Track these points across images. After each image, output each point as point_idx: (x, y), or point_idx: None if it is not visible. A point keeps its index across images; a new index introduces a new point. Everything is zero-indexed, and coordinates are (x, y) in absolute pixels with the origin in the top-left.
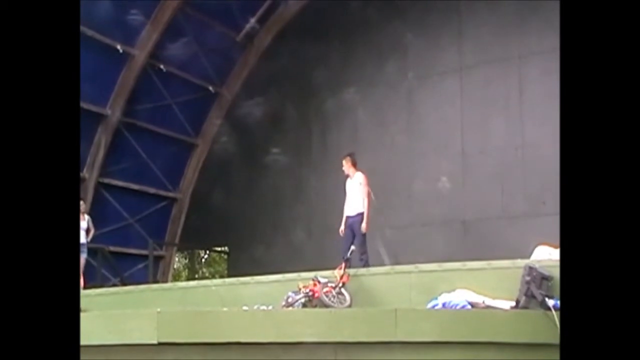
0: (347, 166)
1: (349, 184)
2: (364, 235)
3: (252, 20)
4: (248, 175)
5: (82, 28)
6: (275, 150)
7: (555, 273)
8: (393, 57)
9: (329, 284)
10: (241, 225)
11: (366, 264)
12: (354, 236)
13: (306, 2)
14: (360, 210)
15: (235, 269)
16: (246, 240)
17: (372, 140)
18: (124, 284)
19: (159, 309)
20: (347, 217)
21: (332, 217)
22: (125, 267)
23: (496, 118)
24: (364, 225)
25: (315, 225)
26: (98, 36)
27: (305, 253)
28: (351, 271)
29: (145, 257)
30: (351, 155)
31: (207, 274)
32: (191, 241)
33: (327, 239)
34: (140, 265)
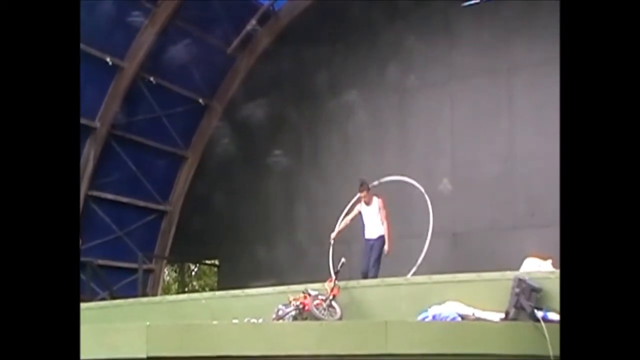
0: (367, 196)
1: (367, 209)
2: (380, 254)
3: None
4: (238, 190)
5: None
6: (270, 159)
7: (545, 285)
8: (390, 64)
9: (320, 297)
10: (232, 238)
11: (375, 276)
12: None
13: (307, 5)
14: (381, 234)
15: (225, 282)
16: (237, 253)
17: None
18: (113, 298)
19: (148, 323)
20: (368, 240)
21: (332, 220)
22: (115, 281)
23: (485, 130)
24: (386, 247)
25: (307, 236)
26: (87, 48)
27: (299, 266)
28: (341, 284)
29: (135, 270)
30: (365, 184)
31: (197, 287)
32: (181, 254)
33: (320, 247)
34: (130, 279)
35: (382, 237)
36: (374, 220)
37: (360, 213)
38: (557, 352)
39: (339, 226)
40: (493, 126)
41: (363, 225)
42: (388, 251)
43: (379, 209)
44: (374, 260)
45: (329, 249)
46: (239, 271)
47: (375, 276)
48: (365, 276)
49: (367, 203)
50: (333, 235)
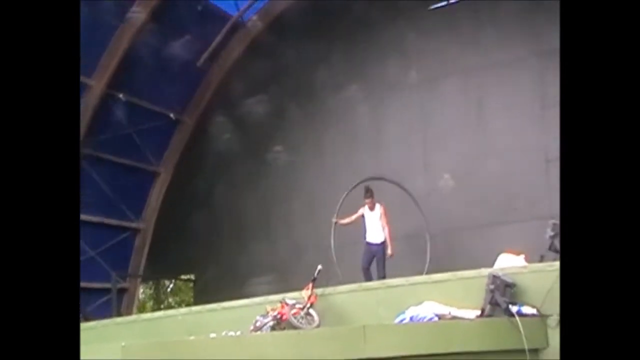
0: (371, 202)
1: (370, 215)
2: (384, 258)
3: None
4: (211, 202)
5: None
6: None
7: (518, 280)
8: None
9: (297, 306)
10: (206, 252)
11: (383, 277)
12: (372, 258)
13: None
14: (383, 240)
15: (201, 296)
16: (212, 266)
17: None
18: (87, 320)
19: (123, 343)
20: (370, 244)
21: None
22: (88, 302)
23: (458, 129)
24: (389, 251)
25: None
26: None
27: (277, 271)
28: (318, 291)
29: (108, 290)
30: (370, 191)
31: (173, 304)
32: (156, 271)
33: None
34: (104, 299)
35: (383, 243)
36: (376, 225)
37: (363, 216)
38: (532, 345)
39: (344, 220)
40: (465, 124)
41: (365, 229)
42: (391, 254)
43: (381, 215)
44: (382, 273)
45: (332, 230)
46: (216, 284)
47: (383, 277)
48: (366, 273)
49: (371, 209)
50: (336, 219)
